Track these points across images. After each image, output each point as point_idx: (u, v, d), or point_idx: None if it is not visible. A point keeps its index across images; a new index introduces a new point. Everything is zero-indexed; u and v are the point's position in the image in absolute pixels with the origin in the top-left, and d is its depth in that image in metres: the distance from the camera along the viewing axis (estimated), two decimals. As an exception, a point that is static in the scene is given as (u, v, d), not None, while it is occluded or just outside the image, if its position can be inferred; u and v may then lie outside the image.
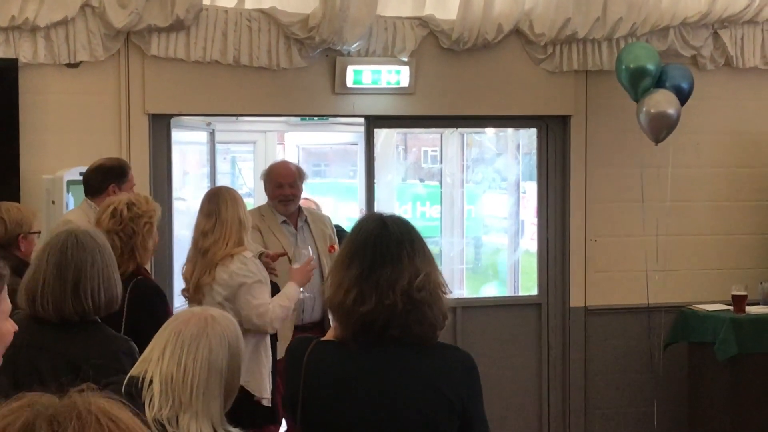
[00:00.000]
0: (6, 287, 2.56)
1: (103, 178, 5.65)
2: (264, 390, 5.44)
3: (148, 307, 4.68)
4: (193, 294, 5.37)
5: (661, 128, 6.91)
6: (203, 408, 2.89)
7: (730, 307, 7.09)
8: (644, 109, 6.90)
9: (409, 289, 2.89)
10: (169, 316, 4.47)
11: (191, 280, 5.40)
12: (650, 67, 6.87)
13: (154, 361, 3.01)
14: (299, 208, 6.49)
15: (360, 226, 3.07)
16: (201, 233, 5.38)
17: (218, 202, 5.44)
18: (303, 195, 6.65)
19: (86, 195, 5.70)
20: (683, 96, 6.94)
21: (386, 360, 2.94)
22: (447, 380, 2.94)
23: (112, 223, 4.76)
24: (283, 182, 6.35)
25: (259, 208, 6.47)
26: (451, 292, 3.04)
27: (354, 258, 2.95)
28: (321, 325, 6.25)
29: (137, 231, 4.80)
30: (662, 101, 6.88)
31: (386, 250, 2.94)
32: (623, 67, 6.93)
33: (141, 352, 4.46)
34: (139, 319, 4.57)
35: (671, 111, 6.87)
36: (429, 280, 2.93)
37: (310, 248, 5.99)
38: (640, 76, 6.87)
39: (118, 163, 5.82)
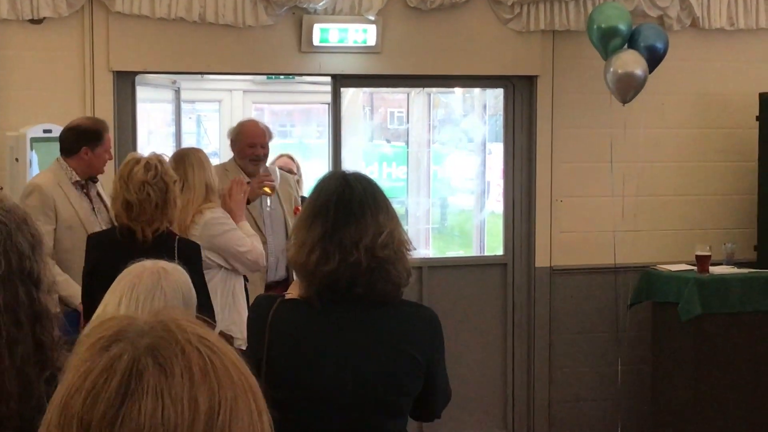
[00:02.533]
0: None
1: (77, 139, 5.61)
2: (244, 333, 5.46)
3: (194, 263, 4.72)
4: None
5: (629, 89, 6.91)
6: None
7: (694, 268, 7.14)
8: (611, 70, 6.90)
9: (373, 247, 2.87)
10: None
11: None
12: (621, 27, 6.86)
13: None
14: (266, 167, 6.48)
15: (322, 184, 3.04)
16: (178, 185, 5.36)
17: (185, 164, 5.42)
18: (286, 153, 6.65)
19: (60, 153, 5.66)
20: (658, 56, 6.93)
21: (351, 318, 2.93)
22: (411, 338, 2.95)
23: (149, 176, 4.75)
24: (255, 142, 6.31)
25: (224, 165, 6.43)
26: (415, 249, 3.03)
27: (317, 217, 2.93)
28: (286, 283, 6.25)
29: (170, 186, 4.82)
30: (630, 62, 6.87)
31: (349, 208, 2.92)
32: (594, 26, 6.91)
33: (199, 309, 4.57)
34: (189, 274, 4.63)
35: (638, 72, 6.87)
36: (393, 238, 2.91)
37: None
38: (612, 36, 6.86)
39: (93, 124, 5.76)
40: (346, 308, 2.93)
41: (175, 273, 3.07)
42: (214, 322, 5.01)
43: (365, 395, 2.92)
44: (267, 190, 6.13)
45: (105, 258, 4.81)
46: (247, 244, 5.48)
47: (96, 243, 5.03)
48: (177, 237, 4.88)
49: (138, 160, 4.84)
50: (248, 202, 5.91)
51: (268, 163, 6.58)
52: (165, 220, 4.81)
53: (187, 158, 5.47)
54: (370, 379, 2.92)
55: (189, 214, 5.35)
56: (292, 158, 7.44)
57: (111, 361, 1.20)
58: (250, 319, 3.12)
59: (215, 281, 5.41)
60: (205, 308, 4.87)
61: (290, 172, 6.96)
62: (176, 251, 4.70)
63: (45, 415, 1.22)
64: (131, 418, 1.16)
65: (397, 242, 2.94)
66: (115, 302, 3.01)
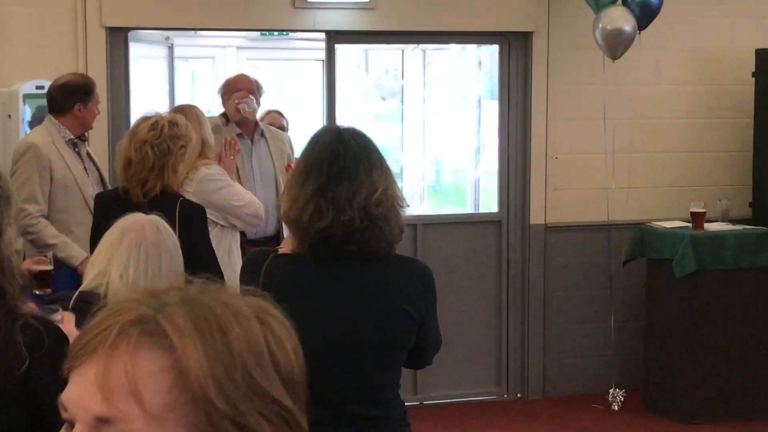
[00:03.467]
0: None
1: (69, 96, 5.57)
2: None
3: (199, 226, 4.78)
4: None
5: (618, 45, 6.90)
6: None
7: (689, 224, 7.14)
8: (600, 26, 6.88)
9: (367, 205, 2.86)
10: None
11: None
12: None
13: (116, 276, 2.98)
14: (256, 123, 6.45)
15: (316, 139, 3.02)
16: (192, 148, 5.32)
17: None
18: (274, 109, 6.61)
19: (50, 112, 5.62)
20: (652, 11, 6.89)
21: (343, 273, 2.93)
22: (404, 292, 2.95)
23: (151, 135, 4.72)
24: (241, 87, 6.30)
25: (212, 120, 6.41)
26: (408, 206, 3.03)
27: (310, 173, 2.92)
28: (276, 239, 6.25)
29: (172, 150, 4.75)
30: (618, 17, 6.85)
31: (343, 164, 2.90)
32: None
33: (193, 270, 4.56)
34: (191, 237, 4.60)
35: (627, 28, 6.85)
36: (386, 195, 2.91)
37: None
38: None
39: (83, 80, 5.73)
40: (339, 263, 2.93)
41: (166, 225, 3.08)
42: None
43: (358, 349, 2.93)
44: (244, 108, 6.11)
45: (106, 217, 4.80)
46: (244, 198, 5.49)
47: (100, 202, 5.05)
48: (180, 199, 4.83)
49: (148, 118, 4.81)
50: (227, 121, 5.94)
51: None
52: (160, 182, 4.74)
53: (183, 113, 5.44)
54: (362, 334, 2.93)
55: (184, 170, 5.32)
56: (281, 114, 7.39)
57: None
58: (243, 273, 3.12)
59: (210, 238, 5.40)
60: (212, 270, 4.87)
61: (281, 128, 6.92)
62: (177, 213, 4.69)
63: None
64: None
65: (391, 199, 2.93)
66: (122, 259, 2.99)
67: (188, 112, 5.48)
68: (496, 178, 7.74)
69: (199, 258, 4.76)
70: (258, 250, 3.26)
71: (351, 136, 3.00)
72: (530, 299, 7.63)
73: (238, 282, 5.35)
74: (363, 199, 2.87)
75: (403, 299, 2.94)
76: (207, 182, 5.36)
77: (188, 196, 5.24)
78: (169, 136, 4.76)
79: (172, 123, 4.82)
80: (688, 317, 6.98)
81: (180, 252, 3.07)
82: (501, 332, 7.69)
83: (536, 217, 7.59)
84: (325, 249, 2.90)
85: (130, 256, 3.02)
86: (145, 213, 4.62)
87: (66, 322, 2.53)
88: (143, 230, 3.05)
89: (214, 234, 5.42)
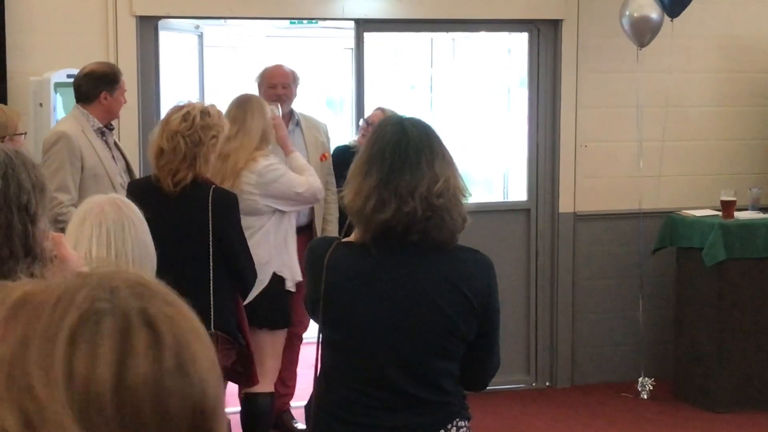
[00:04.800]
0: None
1: (95, 85, 5.60)
2: (297, 275, 5.50)
3: (231, 214, 4.84)
4: None
5: (644, 32, 6.89)
6: None
7: (719, 213, 7.11)
8: (627, 13, 6.88)
9: (429, 196, 2.89)
10: None
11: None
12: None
13: (83, 257, 3.00)
14: (291, 111, 6.46)
15: (378, 130, 3.06)
16: (225, 138, 5.34)
17: (246, 109, 5.45)
18: (380, 107, 6.63)
19: (77, 101, 5.65)
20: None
21: (406, 261, 2.97)
22: (467, 281, 2.97)
23: (183, 126, 4.76)
24: (276, 83, 6.31)
25: None
26: (471, 195, 3.04)
27: (372, 165, 2.95)
28: (309, 229, 6.27)
29: (203, 141, 4.79)
30: (645, 5, 6.84)
31: (405, 156, 2.93)
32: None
33: (222, 256, 4.65)
34: (223, 225, 4.77)
35: (654, 15, 6.84)
36: (449, 186, 2.93)
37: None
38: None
39: (109, 68, 5.76)
40: (401, 252, 2.96)
41: (129, 202, 3.11)
42: (254, 273, 5.04)
43: (418, 335, 2.95)
44: (274, 110, 6.12)
45: (142, 204, 4.84)
46: (302, 182, 5.51)
47: (132, 190, 5.07)
48: (213, 187, 4.87)
49: (180, 108, 4.86)
50: None
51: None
52: (191, 172, 4.78)
53: (248, 103, 5.49)
54: (423, 319, 2.95)
55: (241, 158, 5.36)
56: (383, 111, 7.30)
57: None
58: (307, 261, 3.15)
59: (268, 225, 5.46)
60: (243, 258, 4.91)
61: None
62: (210, 201, 4.74)
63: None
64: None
65: (453, 189, 2.95)
66: (85, 239, 3.02)
67: (254, 101, 5.53)
68: (525, 167, 7.72)
69: (232, 246, 4.83)
70: (321, 238, 3.32)
71: (413, 126, 3.02)
72: (559, 288, 7.62)
73: (296, 267, 5.42)
74: (425, 190, 2.90)
75: (464, 285, 2.97)
76: (266, 173, 5.39)
77: (249, 188, 5.30)
78: (201, 126, 4.79)
79: (204, 113, 4.85)
80: (717, 306, 6.95)
81: (146, 225, 3.10)
82: (530, 321, 7.69)
83: (565, 206, 7.57)
84: (388, 239, 2.94)
85: (92, 236, 3.05)
86: (176, 202, 4.69)
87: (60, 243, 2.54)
88: (102, 210, 3.09)
89: (271, 221, 5.46)
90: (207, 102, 5.23)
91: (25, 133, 5.47)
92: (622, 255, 7.62)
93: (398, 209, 2.89)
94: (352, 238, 3.06)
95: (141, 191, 4.91)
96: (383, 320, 2.95)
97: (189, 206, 4.80)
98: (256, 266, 5.13)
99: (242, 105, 5.50)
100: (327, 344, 3.11)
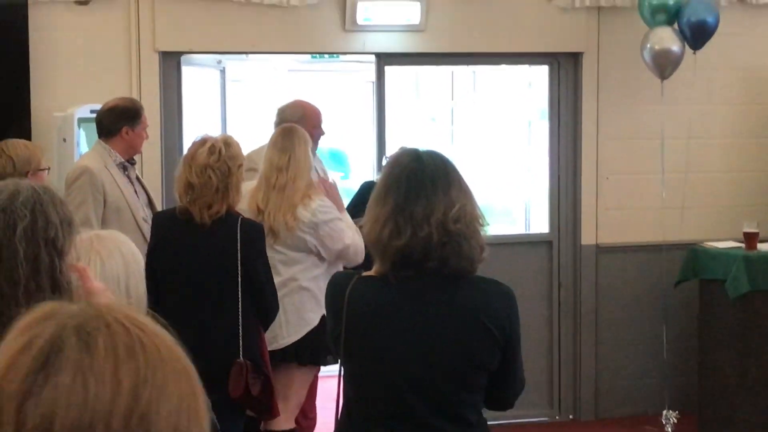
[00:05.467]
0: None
1: (117, 120, 5.64)
2: None
3: (258, 244, 4.89)
4: (269, 229, 5.33)
5: (666, 65, 6.89)
6: None
7: (742, 245, 7.08)
8: (648, 46, 6.88)
9: (444, 221, 2.89)
10: None
11: (266, 212, 5.36)
12: (671, 3, 6.83)
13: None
14: None
15: (395, 160, 3.08)
16: (275, 168, 5.36)
17: (293, 139, 5.46)
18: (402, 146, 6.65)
19: (99, 136, 5.69)
20: (708, 30, 6.85)
21: (426, 291, 2.96)
22: (487, 311, 2.96)
23: (212, 159, 4.79)
24: (319, 123, 6.31)
25: None
26: (488, 225, 3.04)
27: (389, 192, 2.96)
28: None
29: (232, 171, 4.83)
30: (666, 38, 6.84)
31: (420, 183, 2.94)
32: (645, 3, 6.88)
33: (254, 285, 4.68)
34: (250, 256, 4.82)
35: (675, 48, 6.84)
36: (465, 212, 2.93)
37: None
38: (662, 12, 6.83)
39: (131, 104, 5.79)
40: (420, 282, 2.96)
41: (110, 234, 3.10)
42: (277, 304, 5.07)
43: (440, 367, 2.95)
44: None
45: (166, 237, 4.90)
46: (350, 236, 5.47)
47: (161, 221, 5.12)
48: (240, 218, 4.91)
49: (204, 142, 4.86)
50: None
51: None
52: (225, 204, 4.82)
53: (294, 132, 5.49)
54: (445, 350, 2.95)
55: (298, 191, 5.36)
56: None
57: (32, 338, 1.18)
58: (328, 295, 3.15)
59: (323, 269, 5.47)
60: (268, 289, 4.94)
61: None
62: (239, 232, 4.78)
63: None
64: (47, 393, 1.13)
65: (470, 217, 2.95)
66: None
67: (299, 131, 5.54)
68: (547, 198, 7.72)
69: (258, 276, 4.87)
70: (342, 272, 3.32)
71: (429, 156, 3.04)
72: (582, 320, 7.60)
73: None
74: (440, 215, 2.90)
75: (485, 317, 2.95)
76: (320, 213, 5.39)
77: (301, 225, 5.33)
78: (228, 157, 4.83)
79: (227, 144, 4.90)
80: (741, 338, 6.91)
81: (124, 260, 3.06)
82: (552, 353, 7.66)
83: (587, 238, 7.56)
84: (406, 267, 2.94)
85: None
86: (206, 233, 4.72)
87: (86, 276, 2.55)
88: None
89: (327, 267, 5.45)
90: (227, 134, 5.29)
91: (49, 168, 5.50)
92: (645, 287, 7.59)
93: (414, 235, 2.89)
94: (372, 271, 3.06)
95: (167, 224, 4.96)
96: (405, 352, 2.95)
97: (218, 237, 4.84)
98: (310, 305, 5.17)
99: (289, 134, 5.49)
100: (349, 377, 3.11)
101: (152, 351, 1.19)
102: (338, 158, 11.88)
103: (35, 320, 1.21)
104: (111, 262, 2.94)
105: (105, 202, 5.52)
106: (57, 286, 2.40)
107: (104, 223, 5.48)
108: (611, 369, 7.65)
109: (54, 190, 2.52)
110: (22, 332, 1.20)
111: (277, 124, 6.23)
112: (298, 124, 6.18)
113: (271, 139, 5.60)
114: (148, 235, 5.43)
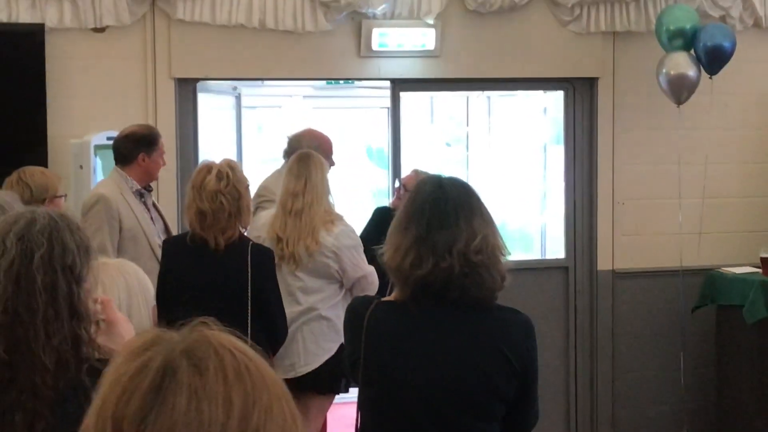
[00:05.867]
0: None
1: (134, 147, 5.65)
2: None
3: (269, 269, 4.94)
4: (289, 255, 5.35)
5: (682, 90, 6.88)
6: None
7: (759, 270, 7.05)
8: (664, 71, 6.88)
9: (466, 252, 2.89)
10: None
11: (285, 239, 5.36)
12: (689, 28, 6.84)
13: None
14: None
15: (418, 189, 3.08)
16: (291, 194, 5.37)
17: (309, 165, 5.46)
18: (415, 168, 6.70)
19: (116, 163, 5.70)
20: (725, 56, 6.84)
21: (445, 320, 2.96)
22: (507, 341, 2.96)
23: (222, 185, 4.82)
24: (332, 152, 6.33)
25: None
26: (510, 254, 3.03)
27: (411, 221, 2.96)
28: None
29: (242, 193, 4.88)
30: (682, 63, 6.84)
31: (443, 213, 2.94)
32: (663, 28, 6.88)
33: (263, 309, 4.70)
34: (261, 280, 4.87)
35: (691, 73, 6.84)
36: (487, 243, 2.92)
37: None
38: (680, 38, 6.83)
39: (148, 130, 5.80)
40: (440, 310, 2.96)
41: (116, 263, 3.11)
42: (286, 329, 5.09)
43: (458, 395, 2.94)
44: None
45: (177, 263, 4.90)
46: (368, 268, 5.47)
47: (171, 247, 5.12)
48: (251, 243, 4.96)
49: (210, 169, 4.88)
50: None
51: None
52: (238, 227, 4.88)
53: (310, 158, 5.49)
54: (463, 379, 2.94)
55: (316, 217, 5.36)
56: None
57: (145, 363, 1.22)
58: (347, 320, 3.16)
59: (337, 300, 5.47)
60: (278, 313, 5.01)
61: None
62: (249, 257, 4.81)
63: (84, 420, 1.24)
64: (164, 414, 1.17)
65: (492, 247, 2.94)
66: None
67: (315, 157, 5.53)
68: (563, 224, 7.71)
69: (268, 298, 4.93)
70: (362, 297, 3.31)
71: (452, 185, 3.04)
72: (599, 346, 7.57)
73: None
74: (463, 246, 2.90)
75: (505, 346, 2.95)
76: (342, 238, 5.38)
77: (324, 250, 5.33)
78: (236, 181, 4.87)
79: (232, 168, 4.93)
80: (759, 364, 6.87)
81: (122, 287, 3.07)
82: (569, 379, 7.63)
83: (604, 263, 7.54)
84: (426, 296, 2.93)
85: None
86: (218, 258, 4.73)
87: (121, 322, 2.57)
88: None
89: (347, 296, 5.45)
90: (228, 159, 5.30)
91: (65, 196, 5.52)
92: (662, 313, 7.56)
93: (436, 265, 2.89)
94: (392, 297, 3.05)
95: (180, 249, 4.97)
96: (422, 380, 2.94)
97: (230, 262, 4.87)
98: (330, 334, 5.24)
99: (305, 160, 5.50)
100: (366, 404, 3.10)
101: (257, 375, 1.24)
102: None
103: (143, 346, 1.25)
104: (112, 290, 2.95)
105: (121, 229, 5.52)
106: (75, 313, 2.41)
107: (120, 251, 5.49)
108: (628, 395, 7.61)
109: (70, 216, 2.53)
110: (133, 358, 1.24)
111: (288, 152, 6.23)
112: (316, 148, 6.19)
113: (287, 165, 5.60)
114: (163, 262, 5.47)
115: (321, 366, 5.40)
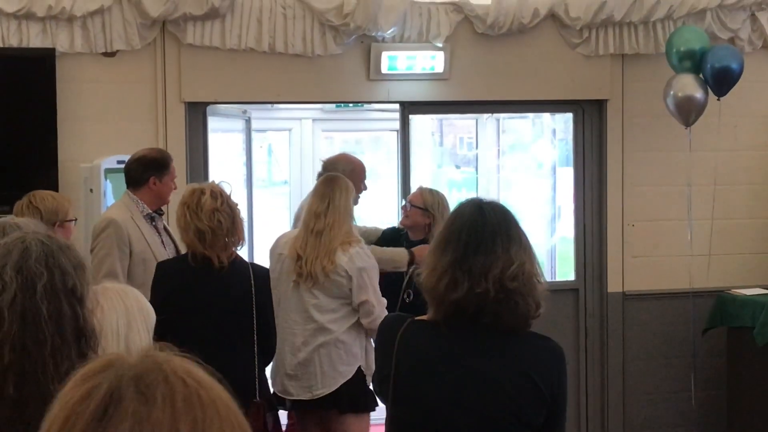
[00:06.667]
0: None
1: (144, 170, 5.65)
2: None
3: (268, 288, 5.11)
4: (307, 274, 5.40)
5: (689, 112, 6.89)
6: None
7: (770, 292, 7.04)
8: (671, 93, 6.88)
9: (502, 278, 2.88)
10: None
11: (305, 258, 5.40)
12: (699, 50, 6.85)
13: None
14: None
15: (457, 211, 3.08)
16: (313, 214, 5.44)
17: (333, 187, 5.52)
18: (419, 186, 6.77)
19: (127, 186, 5.71)
20: (733, 77, 6.84)
21: (477, 344, 2.95)
22: (537, 368, 2.95)
23: (218, 203, 4.91)
24: (365, 177, 6.48)
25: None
26: (546, 281, 3.02)
27: (449, 244, 2.96)
28: None
29: (235, 210, 4.99)
30: (689, 84, 6.84)
31: (481, 238, 2.94)
32: (674, 50, 6.90)
33: (261, 324, 4.92)
34: (262, 298, 5.01)
35: (698, 95, 6.84)
36: (523, 270, 2.91)
37: None
38: (690, 59, 6.85)
39: (159, 154, 5.81)
40: (473, 334, 2.95)
41: (115, 287, 3.11)
42: (274, 341, 5.23)
43: (486, 420, 2.93)
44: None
45: (180, 284, 4.93)
46: (377, 298, 5.48)
47: (168, 271, 5.11)
48: (251, 263, 5.09)
49: (203, 190, 4.96)
50: None
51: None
52: (233, 246, 4.96)
53: (336, 181, 5.56)
54: (492, 405, 2.93)
55: (336, 237, 5.39)
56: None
57: (92, 388, 1.20)
58: (379, 335, 3.16)
59: (352, 322, 5.50)
60: (274, 330, 5.18)
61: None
62: (252, 276, 4.94)
63: None
64: None
65: (528, 274, 2.92)
66: None
67: (341, 181, 5.59)
68: (573, 246, 7.70)
69: (267, 318, 5.07)
70: (395, 314, 3.30)
71: (491, 209, 3.03)
72: (609, 368, 7.55)
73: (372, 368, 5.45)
74: (499, 272, 2.88)
75: (535, 373, 2.93)
76: (357, 259, 5.41)
77: (339, 269, 5.37)
78: (228, 199, 4.97)
79: (221, 188, 5.03)
80: (771, 386, 6.85)
81: (117, 313, 3.07)
82: (580, 401, 7.60)
83: (614, 285, 7.53)
84: (459, 319, 2.93)
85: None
86: (220, 278, 4.82)
87: None
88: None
89: (346, 310, 5.49)
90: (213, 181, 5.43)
91: (76, 220, 5.53)
92: (672, 335, 7.54)
93: (470, 290, 2.88)
94: (425, 316, 3.06)
95: (180, 270, 5.02)
96: (451, 403, 2.93)
97: (233, 281, 4.95)
98: (346, 358, 5.37)
99: (330, 183, 5.56)
100: (394, 423, 3.09)
101: (209, 404, 1.21)
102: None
103: (93, 371, 1.23)
104: (111, 314, 2.95)
105: (131, 253, 5.52)
106: (81, 335, 2.40)
107: (130, 275, 5.49)
108: (639, 417, 7.58)
109: (57, 237, 2.51)
110: (81, 383, 1.22)
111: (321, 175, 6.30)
112: (349, 176, 6.17)
113: (314, 187, 5.67)
114: (173, 287, 5.49)
115: (338, 389, 5.43)
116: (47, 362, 2.33)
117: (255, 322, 4.97)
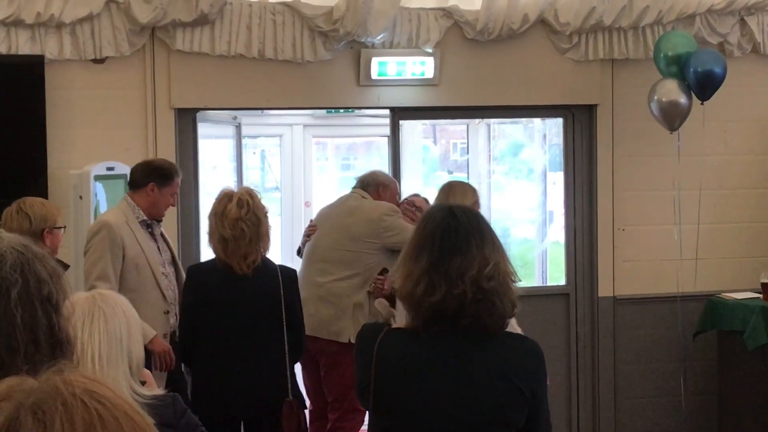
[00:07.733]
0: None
1: (147, 174, 5.65)
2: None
3: (296, 288, 5.26)
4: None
5: (674, 116, 6.90)
6: (110, 378, 2.90)
7: (760, 296, 7.04)
8: (655, 98, 6.89)
9: (479, 279, 2.89)
10: None
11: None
12: (686, 54, 6.85)
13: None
14: None
15: (428, 216, 3.08)
16: None
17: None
18: (415, 193, 6.90)
19: (130, 188, 5.71)
20: (716, 81, 6.84)
21: (456, 348, 2.96)
22: (517, 369, 2.96)
23: (243, 212, 5.02)
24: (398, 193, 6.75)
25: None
26: (520, 281, 3.04)
27: (422, 249, 2.97)
28: None
29: (261, 220, 5.08)
30: (673, 89, 6.85)
31: (454, 240, 2.95)
32: (661, 55, 6.90)
33: (291, 323, 5.07)
34: (291, 298, 5.15)
35: (682, 100, 6.84)
36: (498, 270, 2.93)
37: None
38: (678, 64, 6.86)
39: (167, 165, 5.80)
40: (451, 338, 2.96)
41: (113, 295, 3.13)
42: (303, 339, 5.34)
43: (469, 423, 2.93)
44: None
45: (208, 290, 5.08)
46: None
47: (198, 273, 5.25)
48: (279, 265, 5.21)
49: (231, 197, 5.06)
50: None
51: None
52: (259, 252, 5.06)
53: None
54: (474, 409, 2.94)
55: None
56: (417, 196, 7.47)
57: None
58: (357, 347, 3.15)
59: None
60: (301, 324, 5.25)
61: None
62: (281, 278, 5.07)
63: None
64: None
65: (503, 274, 2.95)
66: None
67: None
68: (564, 250, 7.71)
69: (296, 314, 5.19)
70: (372, 323, 3.31)
71: (462, 212, 3.05)
72: (600, 372, 7.55)
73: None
74: (475, 273, 2.90)
75: (514, 375, 2.95)
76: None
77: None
78: (256, 207, 5.05)
79: (252, 195, 5.11)
80: (761, 390, 6.85)
81: (126, 319, 3.08)
82: (571, 405, 7.61)
83: (605, 290, 7.53)
84: (439, 323, 2.93)
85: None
86: (249, 281, 5.00)
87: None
88: (76, 303, 3.10)
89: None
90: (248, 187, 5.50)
91: (65, 227, 5.52)
92: (663, 339, 7.55)
93: (448, 292, 2.89)
94: (402, 324, 3.06)
95: (209, 276, 5.13)
96: (433, 408, 2.94)
97: (262, 283, 5.06)
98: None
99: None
100: (376, 430, 3.10)
101: (112, 425, 1.18)
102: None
103: None
104: (114, 321, 2.97)
105: (124, 257, 5.51)
106: (56, 343, 2.38)
107: (123, 279, 5.47)
108: (631, 421, 7.58)
109: (31, 243, 2.50)
110: None
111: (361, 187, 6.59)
112: (387, 189, 6.59)
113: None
114: (166, 293, 5.51)
115: None
116: (21, 370, 2.32)
117: (284, 322, 5.06)
